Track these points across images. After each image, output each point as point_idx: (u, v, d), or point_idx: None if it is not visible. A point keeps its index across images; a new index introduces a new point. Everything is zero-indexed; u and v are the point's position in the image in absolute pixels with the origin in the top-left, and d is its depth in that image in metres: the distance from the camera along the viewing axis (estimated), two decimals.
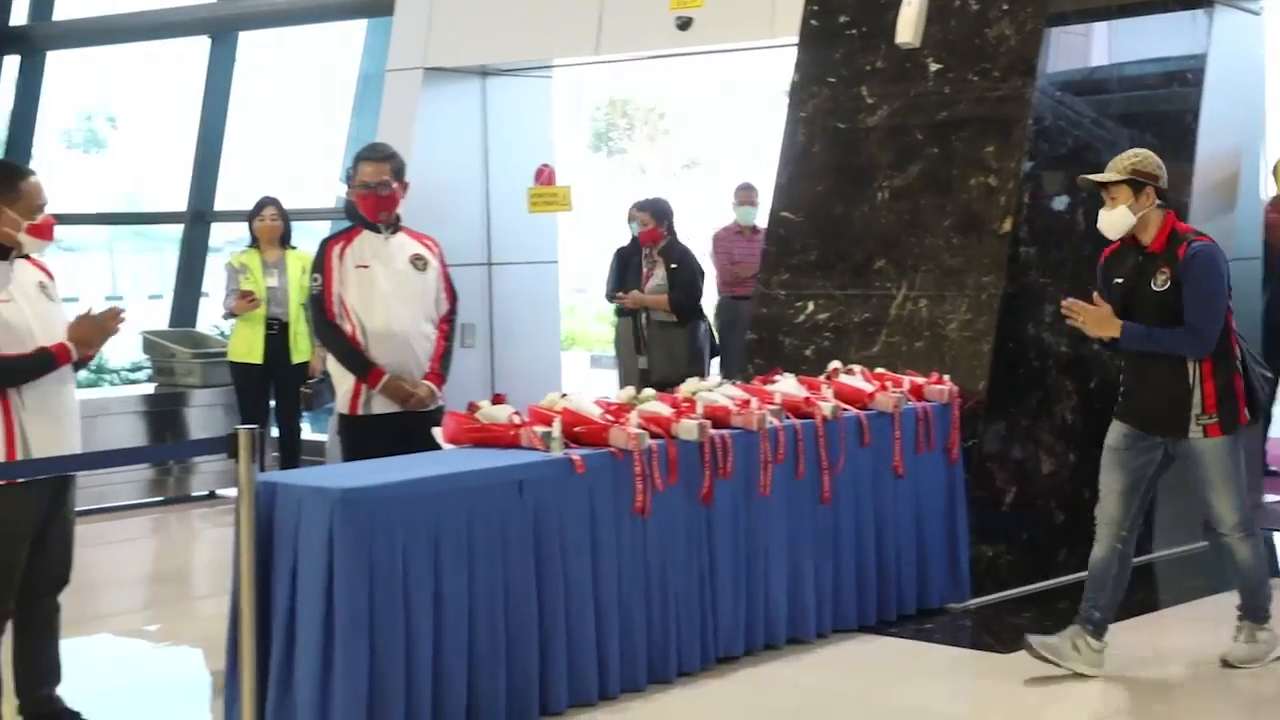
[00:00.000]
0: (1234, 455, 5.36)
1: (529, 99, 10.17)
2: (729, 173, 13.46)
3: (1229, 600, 5.64)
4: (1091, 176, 5.45)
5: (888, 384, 6.20)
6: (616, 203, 9.19)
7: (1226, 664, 5.46)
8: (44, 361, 4.68)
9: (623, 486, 5.18)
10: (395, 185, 5.88)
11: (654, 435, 5.30)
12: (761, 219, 9.20)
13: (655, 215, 8.82)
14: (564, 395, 5.48)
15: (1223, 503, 5.37)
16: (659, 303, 8.65)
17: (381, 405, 5.78)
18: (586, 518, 5.09)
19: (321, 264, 5.84)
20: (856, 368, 6.35)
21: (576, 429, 5.23)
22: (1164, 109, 7.61)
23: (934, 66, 7.02)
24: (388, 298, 5.78)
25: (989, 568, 6.50)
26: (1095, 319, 5.33)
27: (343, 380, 5.85)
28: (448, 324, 5.96)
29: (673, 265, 8.69)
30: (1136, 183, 5.26)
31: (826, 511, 5.84)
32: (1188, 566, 7.11)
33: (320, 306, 5.83)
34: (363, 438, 5.76)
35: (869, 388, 6.13)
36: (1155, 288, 5.27)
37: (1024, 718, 5.21)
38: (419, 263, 5.89)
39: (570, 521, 5.04)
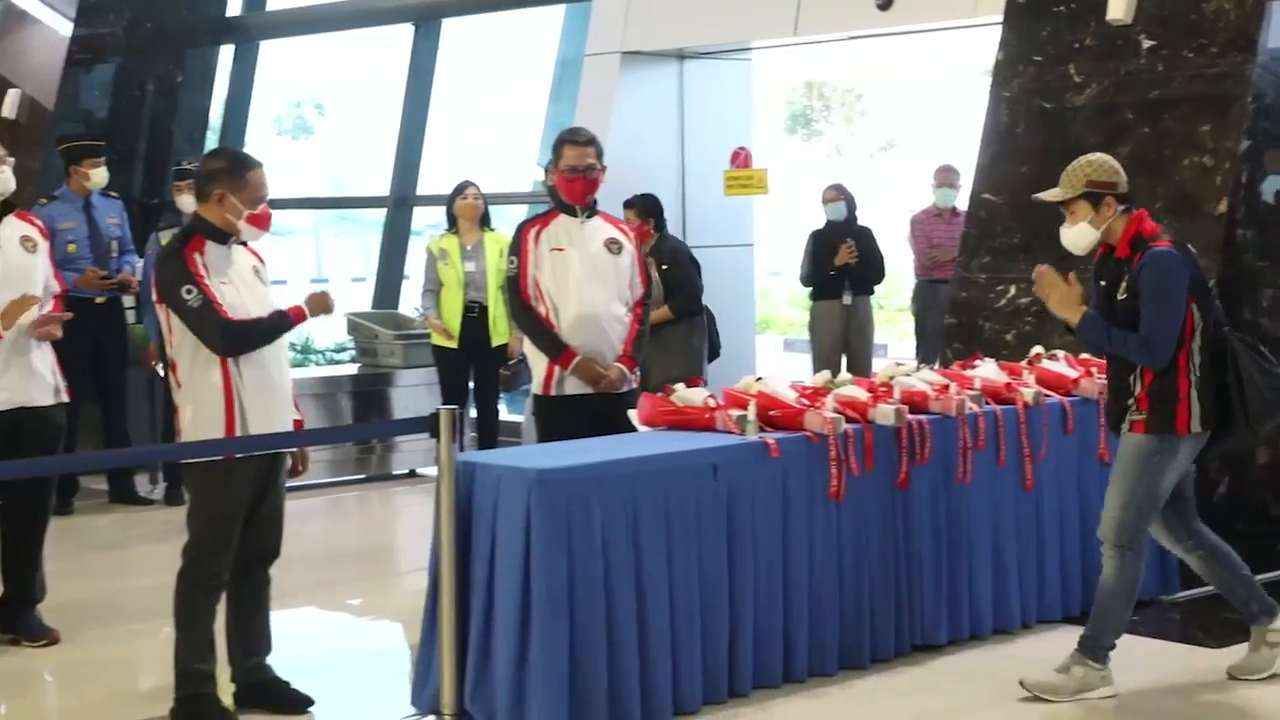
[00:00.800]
0: (1146, 462, 4.87)
1: (726, 82, 10.16)
2: (928, 154, 13.25)
3: None
4: (1044, 195, 5.02)
5: (1093, 370, 6.03)
6: (813, 185, 9.08)
7: (1027, 688, 4.98)
8: (281, 321, 4.87)
9: (817, 471, 5.14)
10: (599, 168, 5.93)
11: (850, 420, 5.25)
12: (961, 201, 9.05)
13: (642, 212, 8.34)
14: (759, 379, 5.46)
15: (1111, 504, 4.94)
16: (662, 316, 8.06)
17: (573, 386, 5.83)
18: (780, 502, 5.06)
19: (518, 247, 5.92)
20: (1060, 353, 6.19)
21: (771, 413, 5.21)
22: None
23: (1147, 43, 6.82)
24: (580, 280, 5.83)
25: None
26: (1062, 297, 4.93)
27: (538, 361, 5.92)
28: (642, 308, 5.99)
29: (664, 266, 8.20)
30: (1094, 194, 4.88)
31: (1029, 500, 5.71)
32: None
33: (516, 288, 5.91)
34: (556, 418, 5.83)
35: (1073, 373, 5.98)
36: (1119, 296, 4.88)
37: (1236, 712, 5.03)
38: (613, 246, 5.93)
39: (763, 505, 5.02)
